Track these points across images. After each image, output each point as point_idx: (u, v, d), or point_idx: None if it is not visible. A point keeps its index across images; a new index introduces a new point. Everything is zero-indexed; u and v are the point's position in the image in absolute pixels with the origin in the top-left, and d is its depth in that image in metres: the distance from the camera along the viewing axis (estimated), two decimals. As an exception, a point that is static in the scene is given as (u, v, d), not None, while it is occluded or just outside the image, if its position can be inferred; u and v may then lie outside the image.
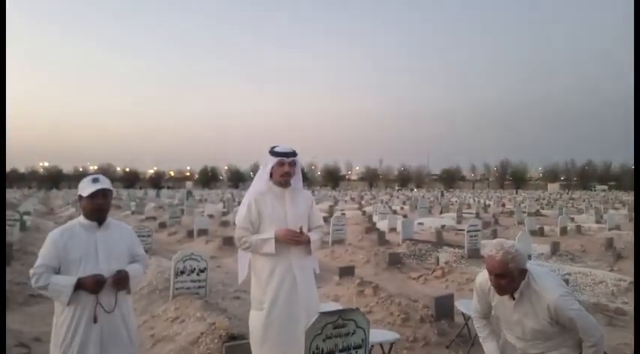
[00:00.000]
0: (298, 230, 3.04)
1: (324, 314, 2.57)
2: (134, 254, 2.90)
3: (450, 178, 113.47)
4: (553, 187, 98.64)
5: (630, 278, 7.59)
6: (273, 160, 3.14)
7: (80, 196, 2.71)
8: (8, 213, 12.02)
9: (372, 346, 3.25)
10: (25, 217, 15.46)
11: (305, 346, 2.45)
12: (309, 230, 3.24)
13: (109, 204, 2.80)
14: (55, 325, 2.64)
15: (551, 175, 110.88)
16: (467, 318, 4.62)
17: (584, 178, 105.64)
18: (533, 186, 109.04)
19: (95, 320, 2.58)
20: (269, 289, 3.02)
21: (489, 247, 2.66)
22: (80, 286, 2.54)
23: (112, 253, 2.72)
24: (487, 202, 37.09)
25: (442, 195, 52.82)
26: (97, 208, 2.70)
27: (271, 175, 3.18)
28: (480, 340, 2.91)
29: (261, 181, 3.24)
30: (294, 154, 3.17)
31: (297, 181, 3.29)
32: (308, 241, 3.10)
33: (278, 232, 3.02)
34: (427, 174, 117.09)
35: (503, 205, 33.53)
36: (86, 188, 2.68)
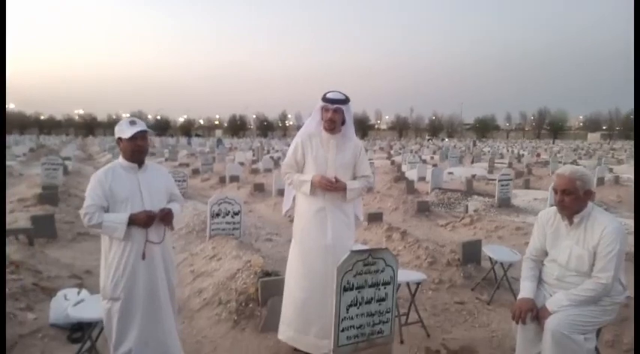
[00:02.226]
0: (333, 179, 3.15)
1: (354, 252, 2.69)
2: (172, 194, 3.06)
3: (484, 128, 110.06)
4: (593, 136, 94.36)
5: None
6: (321, 104, 3.26)
7: (120, 139, 2.79)
8: (51, 158, 12.62)
9: (399, 284, 3.39)
10: (67, 162, 16.18)
11: (336, 281, 2.60)
12: (354, 178, 3.34)
13: (148, 145, 2.93)
14: (104, 260, 2.82)
15: (592, 125, 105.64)
16: (493, 263, 4.71)
17: (628, 127, 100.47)
18: (572, 136, 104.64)
19: (144, 257, 2.77)
20: (303, 222, 3.27)
21: (560, 169, 2.85)
22: (132, 222, 2.69)
23: (154, 193, 2.87)
24: (521, 152, 36.11)
25: (474, 145, 51.72)
26: (138, 150, 2.81)
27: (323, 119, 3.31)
28: (522, 278, 2.99)
29: (312, 124, 3.39)
30: (339, 101, 3.22)
31: (348, 129, 3.36)
32: (345, 189, 3.20)
33: (314, 177, 3.17)
34: (460, 123, 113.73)
35: (538, 155, 32.59)
36: (126, 130, 2.76)
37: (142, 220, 2.72)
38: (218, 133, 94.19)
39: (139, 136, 2.79)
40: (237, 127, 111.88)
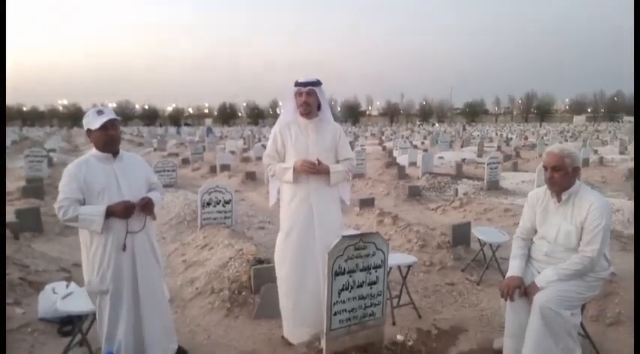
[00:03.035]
0: (316, 161, 3.12)
1: (345, 237, 2.70)
2: (150, 182, 2.98)
3: (473, 112, 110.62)
4: (579, 119, 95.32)
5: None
6: (294, 90, 3.22)
7: (89, 130, 2.69)
8: (35, 150, 12.43)
9: (391, 268, 3.41)
10: (52, 154, 15.96)
11: (327, 265, 2.61)
12: (337, 162, 3.32)
13: (120, 134, 2.83)
14: (86, 255, 2.75)
15: (578, 107, 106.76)
16: (482, 244, 4.75)
17: (612, 109, 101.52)
18: (558, 119, 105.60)
19: (124, 248, 2.70)
20: (289, 212, 3.23)
21: (549, 147, 2.96)
22: (110, 213, 2.61)
23: (132, 182, 2.80)
24: (509, 135, 36.38)
25: (464, 129, 51.92)
26: (111, 139, 2.71)
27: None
28: (511, 257, 3.04)
29: (287, 112, 3.35)
30: (311, 83, 3.18)
31: (324, 111, 3.33)
32: (327, 172, 3.18)
33: (296, 162, 3.14)
34: (450, 108, 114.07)
35: (526, 138, 32.85)
36: (94, 121, 2.66)
37: (120, 211, 2.63)
38: (208, 121, 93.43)
39: (109, 125, 2.68)
40: (227, 115, 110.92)
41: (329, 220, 3.23)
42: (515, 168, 13.93)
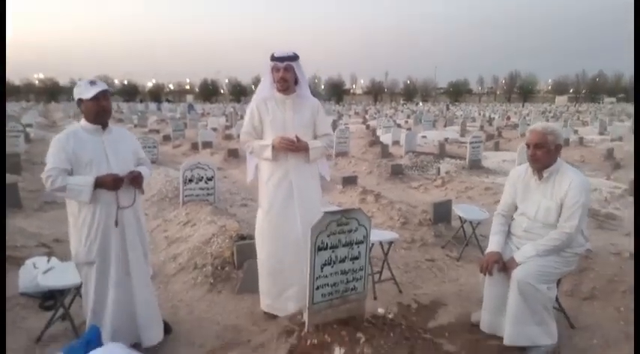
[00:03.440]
0: (294, 138, 3.10)
1: (328, 213, 2.72)
2: (139, 157, 2.97)
3: (457, 92, 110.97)
4: (561, 99, 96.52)
5: (624, 186, 7.80)
6: (270, 64, 3.15)
7: (81, 100, 2.66)
8: (11, 125, 12.08)
9: (373, 244, 3.46)
10: (28, 129, 15.54)
11: (310, 241, 2.63)
12: (315, 138, 3.30)
13: (111, 106, 2.81)
14: (73, 225, 2.74)
15: (560, 88, 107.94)
16: (463, 221, 4.85)
17: (593, 90, 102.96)
18: (541, 99, 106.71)
19: (116, 224, 2.70)
20: (268, 191, 3.21)
21: (532, 125, 3.00)
22: (99, 184, 2.60)
23: (121, 156, 2.78)
24: (492, 115, 36.76)
25: (447, 109, 52.23)
26: (102, 110, 2.69)
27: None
28: (491, 233, 3.12)
29: (264, 88, 3.28)
30: (288, 58, 3.12)
31: (302, 87, 3.27)
32: (307, 149, 3.17)
33: (275, 139, 3.11)
34: (434, 87, 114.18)
35: (508, 118, 33.23)
36: (86, 91, 2.63)
37: (109, 183, 2.63)
38: (189, 98, 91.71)
39: (101, 96, 2.66)
40: (209, 92, 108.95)
41: (309, 196, 3.24)
42: (497, 147, 14.13)
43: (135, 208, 2.82)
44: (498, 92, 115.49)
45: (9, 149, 10.55)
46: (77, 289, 3.04)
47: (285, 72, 3.11)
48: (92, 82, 2.67)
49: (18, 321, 3.31)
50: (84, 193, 2.58)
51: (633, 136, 3.30)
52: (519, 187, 3.05)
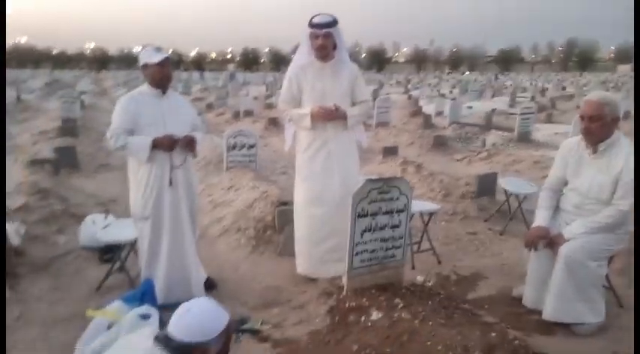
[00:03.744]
0: (333, 107, 3.09)
1: (369, 181, 2.75)
2: (194, 123, 3.12)
3: (507, 60, 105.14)
4: (624, 68, 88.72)
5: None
6: (309, 31, 3.11)
7: (146, 65, 2.82)
8: (68, 91, 12.68)
9: (413, 214, 3.47)
10: (83, 97, 16.22)
11: (351, 207, 2.68)
12: (353, 104, 3.29)
13: (172, 73, 2.97)
14: (132, 182, 2.97)
15: (623, 56, 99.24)
16: (508, 195, 4.73)
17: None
18: (601, 68, 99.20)
19: (170, 182, 2.88)
20: (307, 159, 3.26)
21: (588, 95, 2.81)
22: (155, 145, 2.79)
23: (177, 120, 2.94)
24: (545, 85, 34.83)
25: (496, 78, 49.98)
26: (164, 76, 2.87)
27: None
28: (537, 207, 3.03)
29: (302, 55, 3.27)
30: (327, 24, 3.07)
31: (340, 52, 3.23)
32: (345, 116, 3.16)
33: (313, 108, 3.12)
34: (482, 55, 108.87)
35: (564, 88, 31.38)
36: (152, 56, 2.80)
37: (165, 144, 2.80)
38: (231, 67, 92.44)
39: (165, 63, 2.83)
40: (249, 61, 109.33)
41: (347, 164, 3.27)
42: (549, 119, 13.47)
43: (186, 168, 2.98)
44: (554, 61, 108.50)
45: (67, 114, 11.14)
46: (132, 245, 3.26)
47: (325, 39, 3.08)
48: (157, 49, 2.84)
49: (81, 271, 3.60)
50: (142, 153, 2.77)
51: (634, 136, 3.11)
52: (571, 161, 2.89)
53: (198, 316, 1.53)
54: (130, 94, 2.95)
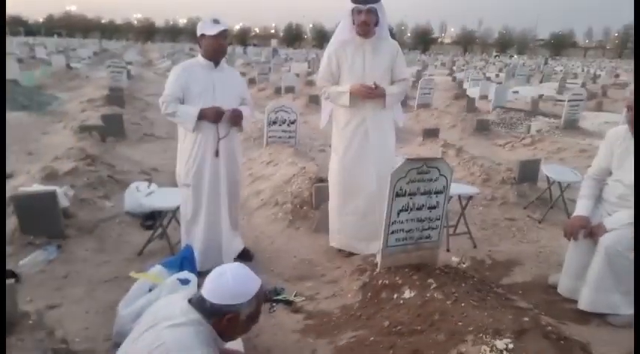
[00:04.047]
0: (372, 85, 3.06)
1: (409, 160, 2.72)
2: (243, 98, 3.17)
3: (559, 44, 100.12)
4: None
5: None
6: (351, 7, 3.08)
7: (203, 35, 2.87)
8: (115, 61, 13.05)
9: (451, 196, 3.42)
10: (129, 67, 16.69)
11: (390, 185, 2.67)
12: (392, 82, 3.24)
13: (227, 46, 3.02)
14: (179, 150, 3.07)
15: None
16: (551, 182, 4.59)
17: None
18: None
19: (217, 154, 2.96)
20: (344, 137, 3.26)
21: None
22: (202, 116, 2.86)
23: (227, 92, 3.00)
24: (598, 72, 33.01)
25: (546, 63, 47.67)
26: (220, 48, 2.92)
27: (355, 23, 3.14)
28: (579, 196, 2.96)
29: (343, 31, 3.23)
30: (371, 0, 3.02)
31: (381, 29, 3.19)
32: (384, 95, 3.12)
33: (353, 86, 3.10)
34: (532, 38, 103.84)
35: (617, 76, 29.63)
36: (210, 28, 2.84)
37: (211, 115, 2.87)
38: (273, 42, 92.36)
39: (222, 35, 2.87)
40: (292, 37, 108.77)
41: (385, 142, 3.26)
42: (599, 108, 12.81)
43: (231, 139, 3.04)
44: (608, 46, 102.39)
45: (114, 84, 11.53)
46: (174, 212, 3.39)
47: (367, 15, 3.04)
48: (215, 21, 2.86)
49: (124, 235, 3.78)
50: (189, 122, 2.85)
51: (633, 136, 2.89)
52: (617, 152, 2.80)
53: (230, 281, 1.56)
54: (185, 63, 3.03)
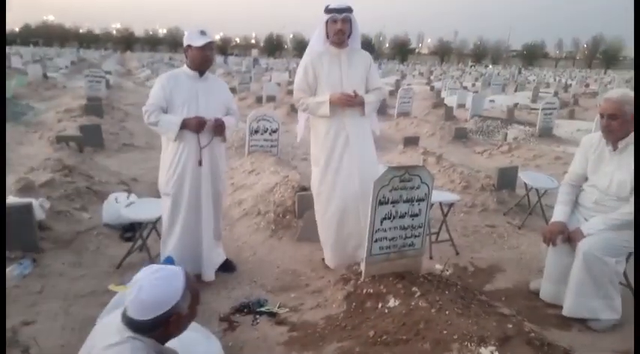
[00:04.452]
0: (352, 93, 3.09)
1: (391, 168, 2.74)
2: (228, 107, 3.15)
3: (531, 55, 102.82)
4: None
5: None
6: (326, 17, 3.10)
7: (189, 46, 2.88)
8: (94, 71, 12.84)
9: (433, 204, 3.45)
10: (108, 76, 16.43)
11: (372, 193, 2.68)
12: (367, 91, 3.28)
13: (213, 56, 3.03)
14: (162, 159, 3.05)
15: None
16: (528, 189, 4.68)
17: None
18: (627, 65, 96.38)
19: (200, 163, 2.94)
20: (324, 147, 3.24)
21: (608, 93, 2.78)
22: (184, 125, 2.85)
23: (211, 102, 2.99)
24: (569, 81, 34.02)
25: (519, 72, 48.91)
26: (206, 59, 2.92)
27: (328, 35, 3.15)
28: (557, 202, 3.02)
29: (318, 42, 3.24)
30: (347, 9, 3.07)
31: (354, 40, 3.24)
32: (362, 103, 3.16)
33: (332, 95, 3.10)
34: (506, 49, 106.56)
35: (587, 85, 30.61)
36: (197, 39, 2.85)
37: (193, 125, 2.85)
38: (254, 52, 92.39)
39: (208, 47, 2.88)
40: (273, 46, 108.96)
41: (365, 149, 3.27)
42: (571, 116, 13.19)
43: (214, 148, 3.02)
44: (578, 57, 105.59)
45: (92, 93, 11.32)
46: (154, 224, 3.32)
47: (344, 24, 3.07)
48: (202, 32, 2.87)
49: (102, 248, 3.69)
50: (171, 131, 2.84)
51: (634, 136, 3.03)
52: (591, 157, 2.88)
53: (150, 294, 1.45)
54: (170, 73, 3.03)
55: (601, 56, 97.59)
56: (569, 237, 2.81)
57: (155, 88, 2.93)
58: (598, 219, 2.75)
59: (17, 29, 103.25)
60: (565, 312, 2.78)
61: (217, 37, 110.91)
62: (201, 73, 2.97)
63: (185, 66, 3.00)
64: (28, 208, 3.34)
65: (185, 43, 2.91)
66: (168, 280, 1.50)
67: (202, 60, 2.91)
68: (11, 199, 3.63)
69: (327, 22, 3.11)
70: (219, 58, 55.27)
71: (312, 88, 3.23)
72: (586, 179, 2.95)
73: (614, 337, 2.70)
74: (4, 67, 4.05)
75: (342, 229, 3.30)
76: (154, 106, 2.87)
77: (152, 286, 1.47)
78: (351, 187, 3.22)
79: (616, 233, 2.68)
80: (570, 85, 29.42)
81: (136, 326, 1.46)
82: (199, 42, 2.85)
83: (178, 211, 3.00)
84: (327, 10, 3.08)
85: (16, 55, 28.95)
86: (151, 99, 2.91)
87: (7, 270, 3.02)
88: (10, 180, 4.32)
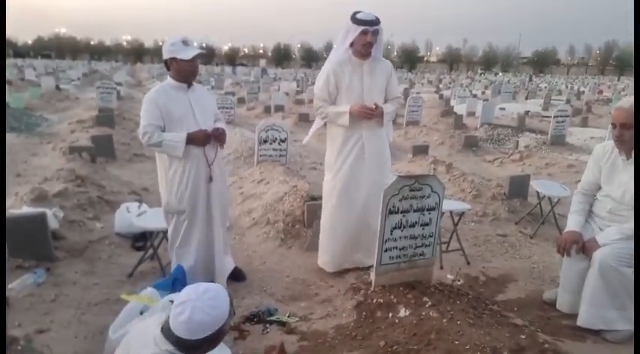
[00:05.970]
0: (373, 106, 3.09)
1: (401, 177, 2.74)
2: (216, 113, 3.13)
3: (542, 62, 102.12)
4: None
5: None
6: (356, 29, 3.05)
7: (174, 59, 2.76)
8: (105, 82, 13.04)
9: (443, 213, 3.43)
10: (119, 88, 16.67)
11: (382, 203, 2.68)
12: (386, 101, 3.28)
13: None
14: (164, 178, 2.94)
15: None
16: (541, 198, 4.63)
17: None
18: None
19: (210, 179, 2.91)
20: (340, 155, 3.25)
21: (620, 102, 2.74)
22: (190, 140, 2.78)
23: (205, 112, 2.95)
24: (582, 88, 33.74)
25: (530, 80, 48.66)
26: (195, 71, 2.87)
27: (351, 44, 3.15)
28: (570, 212, 2.98)
29: (340, 50, 3.21)
30: (378, 21, 3.06)
31: (377, 50, 3.23)
32: (381, 114, 3.16)
33: (353, 107, 3.10)
34: (516, 56, 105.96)
35: (600, 92, 30.31)
36: (182, 51, 2.73)
37: (199, 139, 2.82)
38: (262, 62, 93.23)
39: (196, 58, 2.80)
40: (281, 56, 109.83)
41: (381, 158, 3.29)
42: (584, 123, 13.05)
43: (219, 162, 3.02)
44: (591, 63, 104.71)
45: (104, 104, 11.48)
46: (164, 233, 3.34)
47: (373, 36, 3.05)
48: (185, 42, 2.78)
49: (114, 257, 3.72)
50: (178, 149, 2.76)
51: (634, 136, 2.97)
52: (604, 167, 2.84)
53: (202, 312, 1.48)
54: (156, 88, 2.87)
55: (614, 63, 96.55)
56: (584, 247, 2.77)
57: (147, 108, 2.77)
58: (613, 229, 2.71)
59: (30, 42, 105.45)
60: (580, 322, 2.73)
61: (226, 48, 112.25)
62: (190, 84, 2.88)
63: (169, 78, 2.86)
64: (42, 217, 3.39)
65: (168, 55, 2.75)
66: (218, 301, 1.54)
67: (191, 72, 2.82)
68: (25, 209, 3.69)
69: (356, 32, 3.03)
70: (227, 68, 55.88)
71: (332, 96, 3.24)
72: (599, 188, 2.92)
73: (629, 348, 2.64)
74: (4, 70, 4.12)
75: (351, 237, 3.31)
76: (152, 127, 2.74)
77: (206, 307, 1.50)
78: (363, 196, 3.23)
79: (631, 243, 2.62)
80: (583, 92, 29.19)
81: (186, 346, 1.49)
82: (188, 54, 2.72)
83: (194, 227, 2.98)
84: (358, 21, 3.02)
85: (29, 68, 29.56)
86: (145, 120, 2.76)
87: (21, 279, 3.06)
88: (25, 190, 4.38)
